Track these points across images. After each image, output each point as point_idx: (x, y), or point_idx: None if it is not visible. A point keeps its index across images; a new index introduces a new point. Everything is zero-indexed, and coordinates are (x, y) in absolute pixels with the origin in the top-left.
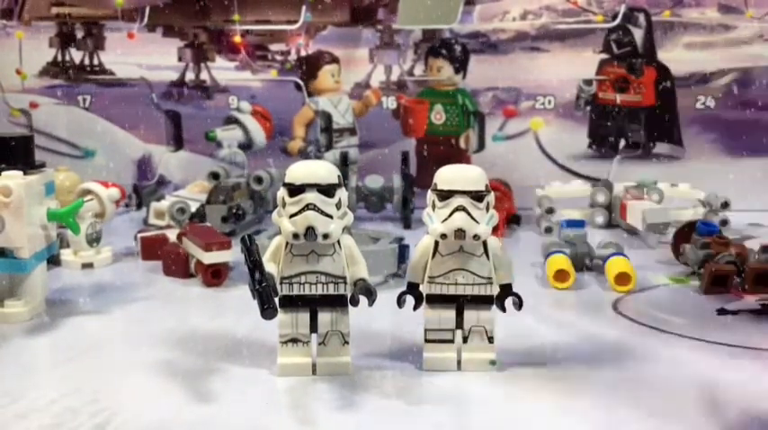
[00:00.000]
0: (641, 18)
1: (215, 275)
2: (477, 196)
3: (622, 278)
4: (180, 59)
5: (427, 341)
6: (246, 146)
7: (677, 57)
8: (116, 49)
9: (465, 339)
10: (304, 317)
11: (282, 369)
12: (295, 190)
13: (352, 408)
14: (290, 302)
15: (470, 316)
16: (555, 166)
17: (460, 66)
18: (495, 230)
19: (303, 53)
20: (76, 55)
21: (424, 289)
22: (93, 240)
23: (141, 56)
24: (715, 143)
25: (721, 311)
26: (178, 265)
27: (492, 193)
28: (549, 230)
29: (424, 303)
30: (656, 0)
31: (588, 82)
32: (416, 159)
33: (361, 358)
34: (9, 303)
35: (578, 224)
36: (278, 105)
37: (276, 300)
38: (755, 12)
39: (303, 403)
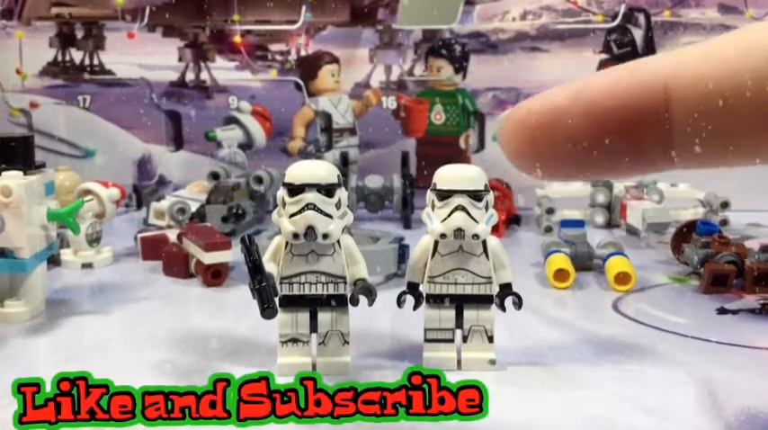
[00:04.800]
0: (641, 18)
1: (215, 275)
2: (477, 196)
3: (622, 277)
4: (180, 59)
5: (427, 340)
6: (246, 146)
7: None
8: (117, 49)
9: (465, 338)
10: (304, 316)
11: (282, 369)
12: (295, 190)
13: None
14: (290, 302)
15: (470, 315)
16: None
17: (460, 66)
18: (494, 230)
19: (303, 53)
20: (76, 55)
21: (424, 288)
22: (93, 240)
23: (141, 56)
24: None
25: (721, 311)
26: (178, 265)
27: (491, 193)
28: (549, 230)
29: (423, 303)
30: (656, 0)
31: None
32: (416, 159)
33: (361, 358)
34: (9, 303)
35: (577, 224)
36: (278, 105)
37: (276, 299)
38: (755, 12)
39: None
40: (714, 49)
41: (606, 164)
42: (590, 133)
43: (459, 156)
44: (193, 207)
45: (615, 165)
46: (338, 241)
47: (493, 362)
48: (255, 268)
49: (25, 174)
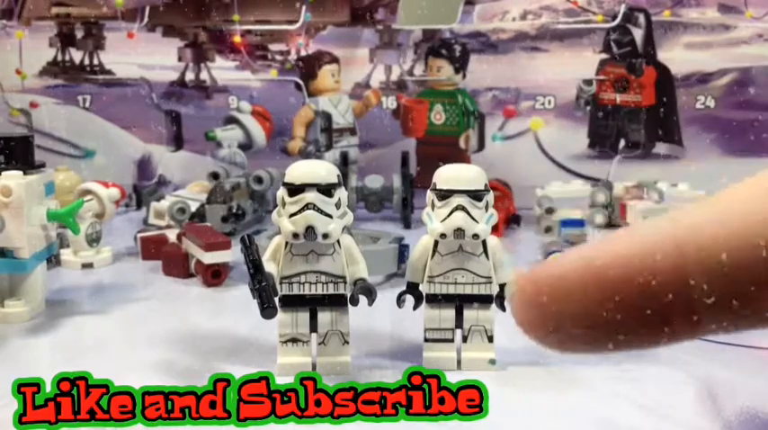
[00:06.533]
0: (641, 18)
1: (215, 275)
2: (477, 195)
3: None
4: (180, 59)
5: (427, 340)
6: (246, 146)
7: (677, 57)
8: (117, 49)
9: (465, 338)
10: (304, 316)
11: (282, 369)
12: (295, 190)
13: None
14: (290, 302)
15: (470, 315)
16: (555, 166)
17: (460, 66)
18: (494, 230)
19: (303, 53)
20: (76, 55)
21: (424, 288)
22: (93, 240)
23: (141, 56)
24: (715, 143)
25: None
26: (178, 265)
27: (491, 193)
28: (548, 230)
29: (423, 303)
30: (656, 0)
31: (588, 82)
32: (416, 159)
33: (361, 358)
34: (9, 303)
35: (577, 224)
36: (278, 105)
37: (276, 299)
38: (755, 12)
39: None
40: (723, 205)
41: (629, 331)
42: (607, 304)
43: (459, 157)
44: (193, 207)
45: (639, 330)
46: (338, 241)
47: (493, 362)
48: (255, 268)
49: (25, 174)
